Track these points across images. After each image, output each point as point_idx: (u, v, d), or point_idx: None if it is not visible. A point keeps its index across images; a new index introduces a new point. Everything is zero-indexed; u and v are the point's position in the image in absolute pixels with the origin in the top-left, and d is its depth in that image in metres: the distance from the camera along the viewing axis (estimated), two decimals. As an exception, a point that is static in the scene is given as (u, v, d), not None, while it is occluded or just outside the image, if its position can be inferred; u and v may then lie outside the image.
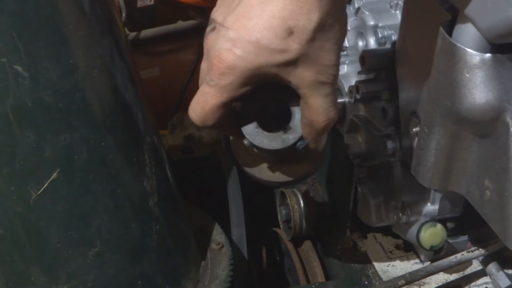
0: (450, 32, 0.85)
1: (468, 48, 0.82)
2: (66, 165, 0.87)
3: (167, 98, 1.80)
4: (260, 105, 0.88)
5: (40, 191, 0.86)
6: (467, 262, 1.17)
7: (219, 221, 1.18)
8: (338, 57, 0.83)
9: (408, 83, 1.04)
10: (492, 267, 1.15)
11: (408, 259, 1.24)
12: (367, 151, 1.20)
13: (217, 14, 0.83)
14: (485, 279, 1.17)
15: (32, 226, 0.89)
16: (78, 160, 0.87)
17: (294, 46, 0.79)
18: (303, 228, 1.29)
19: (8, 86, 0.81)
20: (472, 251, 1.13)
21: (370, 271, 1.22)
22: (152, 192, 0.96)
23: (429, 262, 1.21)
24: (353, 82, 1.15)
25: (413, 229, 1.16)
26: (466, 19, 0.82)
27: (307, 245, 1.31)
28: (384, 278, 1.20)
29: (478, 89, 0.83)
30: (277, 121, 0.89)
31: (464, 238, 1.21)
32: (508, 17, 0.76)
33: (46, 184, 0.86)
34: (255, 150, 0.89)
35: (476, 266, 1.19)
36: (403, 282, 1.10)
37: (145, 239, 0.97)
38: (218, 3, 0.84)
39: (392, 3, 1.16)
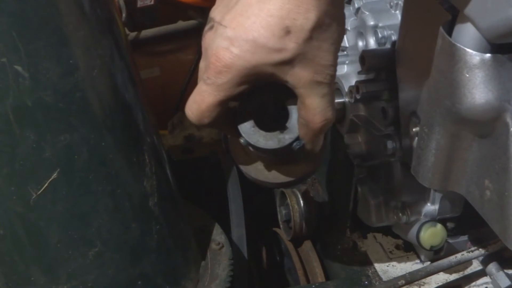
0: (450, 32, 0.85)
1: (468, 48, 0.82)
2: (66, 165, 0.87)
3: (167, 98, 1.80)
4: (258, 104, 0.88)
5: (40, 191, 0.86)
6: (467, 262, 1.17)
7: (219, 221, 1.18)
8: (335, 57, 0.83)
9: (408, 83, 1.04)
10: (492, 267, 1.15)
11: (408, 259, 1.24)
12: (367, 151, 1.20)
13: (215, 12, 0.83)
14: (485, 279, 1.17)
15: (32, 226, 0.89)
16: (78, 160, 0.87)
17: (291, 45, 0.79)
18: (303, 228, 1.29)
19: (8, 86, 0.81)
20: (472, 251, 1.13)
21: (370, 271, 1.22)
22: (152, 192, 0.96)
23: (429, 262, 1.21)
24: (353, 82, 1.15)
25: (413, 229, 1.16)
26: (466, 19, 0.82)
27: (307, 245, 1.31)
28: (384, 278, 1.20)
29: (478, 89, 0.83)
30: (275, 121, 0.89)
31: (464, 238, 1.21)
32: (508, 17, 0.76)
33: (46, 184, 0.86)
34: (251, 149, 0.89)
35: (476, 266, 1.19)
36: (403, 282, 1.10)
37: (145, 239, 0.97)
38: (216, 2, 0.84)
39: (392, 3, 1.16)
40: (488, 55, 0.82)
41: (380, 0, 1.17)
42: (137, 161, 0.94)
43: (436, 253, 1.19)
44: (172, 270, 1.03)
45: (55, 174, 0.86)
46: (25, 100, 0.82)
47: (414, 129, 1.03)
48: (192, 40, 1.85)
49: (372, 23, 1.15)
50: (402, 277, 1.11)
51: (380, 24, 1.14)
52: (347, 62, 1.21)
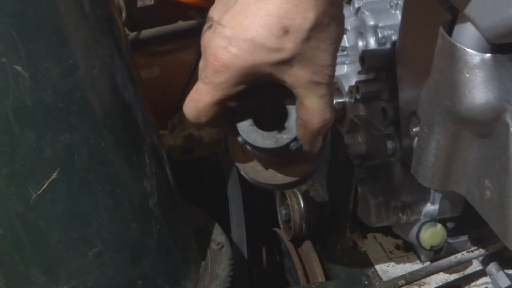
0: (450, 32, 0.85)
1: (468, 48, 0.82)
2: (66, 165, 0.87)
3: (167, 98, 1.80)
4: (257, 103, 0.87)
5: (40, 191, 0.86)
6: (467, 262, 1.17)
7: (219, 221, 1.18)
8: (334, 57, 0.82)
9: (408, 83, 1.04)
10: (492, 267, 1.15)
11: (408, 259, 1.24)
12: (367, 151, 1.20)
13: (214, 12, 0.83)
14: (485, 279, 1.17)
15: (32, 226, 0.89)
16: (78, 160, 0.87)
17: (289, 45, 0.79)
18: (303, 228, 1.29)
19: (8, 86, 0.81)
20: (472, 251, 1.13)
21: (370, 271, 1.22)
22: (152, 192, 0.96)
23: (429, 262, 1.21)
24: (353, 82, 1.15)
25: (413, 229, 1.16)
26: (466, 19, 0.82)
27: (307, 245, 1.31)
28: (384, 278, 1.20)
29: (478, 89, 0.83)
30: (274, 121, 0.88)
31: (464, 238, 1.21)
32: (508, 17, 0.76)
33: (46, 184, 0.86)
34: (249, 148, 0.89)
35: (476, 266, 1.19)
36: (403, 282, 1.10)
37: (145, 239, 0.97)
38: (215, 1, 0.84)
39: (392, 3, 1.15)
40: (488, 55, 0.82)
41: (380, 0, 1.17)
42: (137, 161, 0.94)
43: (436, 253, 1.19)
44: (172, 270, 1.03)
45: (55, 174, 0.86)
46: (25, 100, 0.82)
47: (414, 129, 1.03)
48: (192, 40, 1.85)
49: (372, 23, 1.15)
50: (402, 277, 1.11)
51: (380, 24, 1.14)
52: (347, 62, 1.21)
